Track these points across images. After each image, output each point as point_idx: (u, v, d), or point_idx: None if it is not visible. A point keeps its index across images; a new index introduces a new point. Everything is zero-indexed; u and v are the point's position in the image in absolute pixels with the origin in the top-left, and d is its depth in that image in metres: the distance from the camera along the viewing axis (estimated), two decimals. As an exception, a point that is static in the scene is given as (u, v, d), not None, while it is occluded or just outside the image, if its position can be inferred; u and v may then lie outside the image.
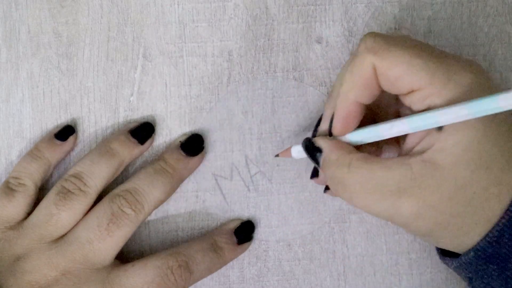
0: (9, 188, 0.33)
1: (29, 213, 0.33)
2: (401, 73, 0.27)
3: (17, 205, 0.33)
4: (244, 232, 0.35)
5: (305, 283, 0.35)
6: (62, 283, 0.31)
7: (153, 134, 0.35)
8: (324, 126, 0.31)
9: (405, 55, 0.27)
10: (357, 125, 0.30)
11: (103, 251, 0.31)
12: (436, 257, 0.35)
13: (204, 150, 0.35)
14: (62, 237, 0.32)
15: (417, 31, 0.36)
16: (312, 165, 0.34)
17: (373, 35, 0.28)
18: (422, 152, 0.27)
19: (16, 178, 0.34)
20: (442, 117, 0.26)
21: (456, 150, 0.26)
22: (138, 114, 0.36)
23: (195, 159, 0.35)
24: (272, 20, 0.36)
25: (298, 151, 0.32)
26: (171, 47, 0.36)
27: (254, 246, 0.36)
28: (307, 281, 0.35)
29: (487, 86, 0.27)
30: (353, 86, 0.28)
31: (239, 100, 0.36)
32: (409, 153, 0.28)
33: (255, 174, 0.36)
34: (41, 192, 0.34)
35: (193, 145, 0.35)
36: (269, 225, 0.36)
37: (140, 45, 0.36)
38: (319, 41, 0.36)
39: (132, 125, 0.35)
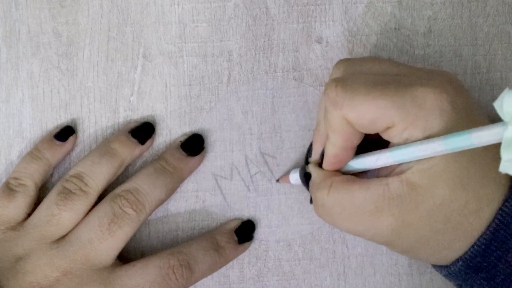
0: (9, 189, 0.33)
1: (29, 214, 0.33)
2: (371, 118, 0.27)
3: (18, 206, 0.33)
4: (245, 231, 0.35)
5: (305, 283, 0.35)
6: (63, 284, 0.31)
7: (153, 134, 0.35)
8: (314, 158, 0.32)
9: (370, 100, 0.27)
10: (347, 162, 0.30)
11: (104, 251, 0.31)
12: (436, 257, 0.35)
13: (204, 150, 0.35)
14: (63, 237, 0.32)
15: (417, 31, 0.36)
16: None
17: (333, 84, 0.28)
18: (400, 173, 0.27)
19: (16, 178, 0.33)
20: (421, 152, 0.26)
21: (434, 171, 0.26)
22: (138, 114, 0.36)
23: (196, 158, 0.35)
24: (272, 20, 0.36)
25: (296, 179, 0.34)
26: (171, 47, 0.36)
27: (254, 246, 0.36)
28: (307, 281, 0.35)
29: (461, 103, 0.27)
30: (336, 140, 0.29)
31: (239, 100, 0.36)
32: (388, 175, 0.28)
33: (255, 174, 0.36)
34: (41, 192, 0.34)
35: (194, 145, 0.35)
36: (269, 225, 0.36)
37: (140, 45, 0.36)
38: (319, 41, 0.36)
39: (132, 125, 0.35)
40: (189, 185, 0.36)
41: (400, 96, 0.27)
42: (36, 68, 0.36)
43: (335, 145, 0.29)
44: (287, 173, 0.35)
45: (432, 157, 0.26)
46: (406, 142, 0.27)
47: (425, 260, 0.30)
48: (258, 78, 0.36)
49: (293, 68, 0.36)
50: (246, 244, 0.35)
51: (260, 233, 0.36)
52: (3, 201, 0.33)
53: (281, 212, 0.36)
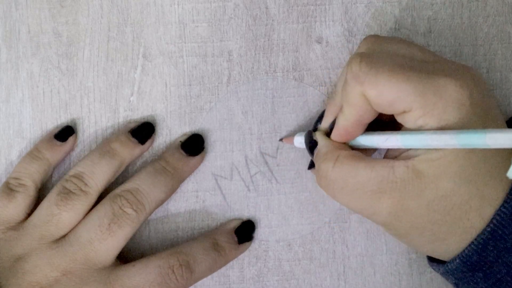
0: (9, 189, 0.33)
1: (29, 214, 0.33)
2: (390, 99, 0.27)
3: (18, 206, 0.33)
4: (245, 231, 0.35)
5: (305, 283, 0.35)
6: (63, 284, 0.31)
7: (153, 134, 0.35)
8: (323, 127, 0.32)
9: (393, 81, 0.27)
10: (357, 136, 0.30)
11: (104, 251, 0.31)
12: (436, 257, 0.35)
13: (204, 150, 0.35)
14: (63, 237, 0.32)
15: (417, 31, 0.36)
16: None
17: (358, 59, 0.28)
18: (407, 158, 0.27)
19: (16, 178, 0.33)
20: (433, 142, 0.26)
21: (441, 163, 0.26)
22: (138, 114, 0.36)
23: (196, 159, 0.35)
24: (272, 20, 0.36)
25: (300, 142, 0.33)
26: (171, 47, 0.36)
27: (254, 246, 0.36)
28: (307, 281, 0.35)
29: (480, 100, 0.27)
30: (350, 114, 0.29)
31: (239, 100, 0.36)
32: (395, 157, 0.28)
33: (255, 174, 0.36)
34: (41, 192, 0.34)
35: (194, 145, 0.35)
36: (269, 225, 0.36)
37: (140, 45, 0.36)
38: (319, 41, 0.36)
39: (133, 125, 0.35)
40: (189, 185, 0.36)
41: (422, 83, 0.26)
42: (36, 68, 0.36)
43: (348, 119, 0.29)
44: (292, 135, 0.35)
45: (441, 149, 0.26)
46: (419, 129, 0.27)
47: (419, 249, 0.31)
48: (258, 78, 0.36)
49: (293, 68, 0.36)
50: (246, 244, 0.35)
51: (260, 233, 0.36)
52: (3, 201, 0.33)
53: (281, 212, 0.36)
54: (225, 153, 0.36)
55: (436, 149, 0.26)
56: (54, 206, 0.32)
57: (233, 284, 0.35)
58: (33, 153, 0.34)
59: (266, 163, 0.36)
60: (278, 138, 0.36)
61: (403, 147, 0.28)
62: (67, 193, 0.32)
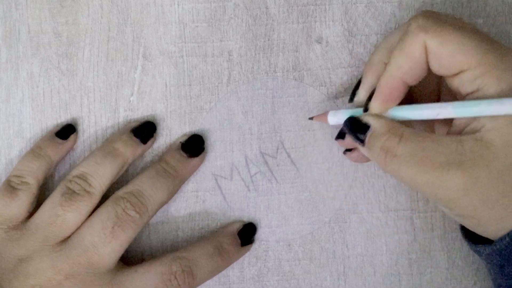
0: (11, 187, 0.33)
1: (31, 213, 0.33)
2: (452, 52, 0.27)
3: (20, 204, 0.33)
4: (247, 233, 0.35)
5: (305, 283, 0.35)
6: (65, 287, 0.31)
7: (155, 133, 0.35)
8: (361, 97, 0.31)
9: (457, 35, 0.27)
10: (396, 104, 0.30)
11: (107, 254, 0.31)
12: (436, 257, 0.35)
13: (205, 150, 0.35)
14: (66, 239, 0.32)
15: (417, 31, 0.36)
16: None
17: (425, 14, 0.28)
18: (473, 132, 0.27)
19: (18, 176, 0.33)
20: (489, 108, 0.26)
21: (508, 129, 0.26)
22: (138, 114, 0.36)
23: (196, 159, 0.35)
24: (272, 20, 0.36)
25: (337, 119, 0.32)
26: (171, 47, 0.36)
27: (254, 246, 0.36)
28: (307, 281, 0.35)
29: None
30: (401, 64, 0.28)
31: (239, 100, 0.36)
32: (459, 133, 0.28)
33: (255, 174, 0.36)
34: (40, 192, 0.34)
35: (194, 145, 0.35)
36: (269, 225, 0.36)
37: (140, 45, 0.36)
38: (319, 41, 0.36)
39: (134, 125, 0.35)
40: (189, 185, 0.36)
41: (484, 42, 0.27)
42: (36, 68, 0.36)
43: (396, 73, 0.28)
44: (324, 113, 0.33)
45: (506, 115, 0.26)
46: (475, 92, 0.27)
47: (484, 230, 0.29)
48: (258, 78, 0.36)
49: (293, 68, 0.36)
50: (248, 246, 0.35)
51: (260, 233, 0.36)
52: (5, 199, 0.32)
53: (281, 212, 0.36)
54: (225, 153, 0.36)
55: (501, 116, 0.26)
56: (58, 207, 0.32)
57: (233, 284, 0.35)
58: (35, 151, 0.34)
59: (266, 163, 0.36)
60: (278, 139, 0.36)
61: (455, 116, 0.28)
62: (71, 194, 0.32)
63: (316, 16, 0.36)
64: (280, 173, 0.36)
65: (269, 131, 0.36)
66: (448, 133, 0.29)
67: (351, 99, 0.32)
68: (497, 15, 0.36)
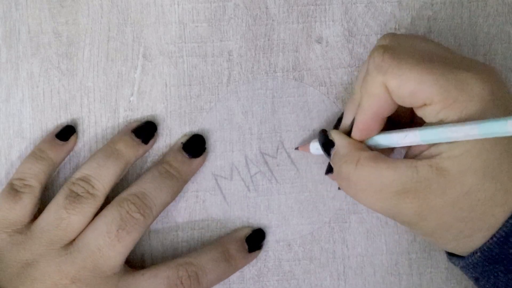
0: (14, 190, 0.33)
1: (35, 216, 0.33)
2: (412, 90, 0.27)
3: (24, 207, 0.32)
4: (256, 240, 0.35)
5: (305, 283, 0.35)
6: None
7: (156, 133, 0.35)
8: (345, 124, 0.32)
9: (415, 72, 0.27)
10: (375, 134, 0.30)
11: (113, 257, 0.31)
12: (436, 257, 0.35)
13: (206, 150, 0.35)
14: (71, 243, 0.32)
15: (417, 31, 0.36)
16: (325, 162, 0.34)
17: (381, 50, 0.28)
18: (430, 157, 0.27)
19: (21, 179, 0.33)
20: (453, 134, 0.26)
21: (465, 159, 0.26)
22: (138, 114, 0.36)
23: (198, 160, 0.35)
24: (272, 20, 0.36)
25: (316, 148, 0.33)
26: (171, 47, 0.36)
27: (254, 246, 0.36)
28: (307, 281, 0.35)
29: (501, 95, 0.27)
30: (370, 103, 0.29)
31: (239, 100, 0.36)
32: (416, 157, 0.28)
33: (255, 174, 0.36)
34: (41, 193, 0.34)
35: (195, 146, 0.35)
36: (269, 225, 0.36)
37: (140, 45, 0.36)
38: (319, 41, 0.36)
39: (135, 125, 0.35)
40: (189, 185, 0.36)
41: (444, 75, 0.26)
42: (36, 68, 0.36)
43: (367, 112, 0.29)
44: (307, 142, 0.35)
45: (464, 144, 0.26)
46: (440, 123, 0.27)
47: (444, 246, 0.30)
48: (258, 78, 0.36)
49: (293, 68, 0.36)
50: (256, 252, 0.35)
51: (260, 233, 0.36)
52: (9, 202, 0.32)
53: (281, 212, 0.36)
54: (225, 153, 0.36)
55: (458, 145, 0.26)
56: (62, 210, 0.32)
57: (233, 284, 0.35)
58: (36, 153, 0.34)
59: (266, 163, 0.36)
60: (278, 139, 0.36)
61: (422, 143, 0.28)
62: (75, 197, 0.32)
63: (316, 16, 0.36)
64: (280, 173, 0.36)
65: (269, 131, 0.36)
66: (405, 155, 0.30)
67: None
68: (497, 15, 0.36)
